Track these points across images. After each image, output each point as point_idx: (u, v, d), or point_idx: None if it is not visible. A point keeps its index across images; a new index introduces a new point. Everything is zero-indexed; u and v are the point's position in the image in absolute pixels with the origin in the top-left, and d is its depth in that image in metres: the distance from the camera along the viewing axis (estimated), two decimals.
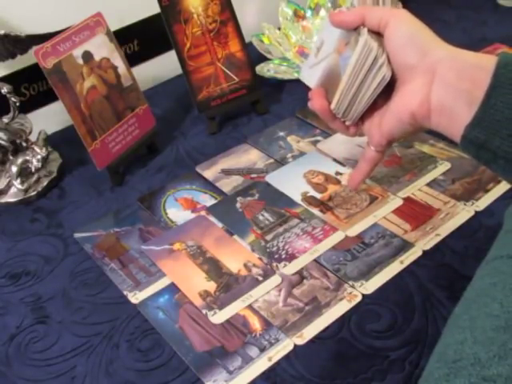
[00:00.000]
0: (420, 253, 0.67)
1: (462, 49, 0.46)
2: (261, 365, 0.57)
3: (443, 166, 0.80)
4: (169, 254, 0.72)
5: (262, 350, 0.59)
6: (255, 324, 0.62)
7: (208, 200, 0.80)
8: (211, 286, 0.66)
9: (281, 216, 0.75)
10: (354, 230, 0.71)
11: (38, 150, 0.87)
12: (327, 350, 0.58)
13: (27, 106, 0.95)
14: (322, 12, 1.08)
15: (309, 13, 1.09)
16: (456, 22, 1.18)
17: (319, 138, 0.90)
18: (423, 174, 0.79)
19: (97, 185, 0.87)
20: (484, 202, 0.73)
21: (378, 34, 0.49)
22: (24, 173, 0.86)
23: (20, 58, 0.86)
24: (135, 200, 0.82)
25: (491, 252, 0.41)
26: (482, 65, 0.43)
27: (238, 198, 0.79)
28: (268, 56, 1.06)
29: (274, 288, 0.65)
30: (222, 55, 0.94)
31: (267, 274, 0.67)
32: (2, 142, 0.84)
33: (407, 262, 0.66)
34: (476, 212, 0.72)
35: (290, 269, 0.67)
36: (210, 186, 0.83)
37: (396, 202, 0.75)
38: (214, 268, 0.69)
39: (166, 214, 0.79)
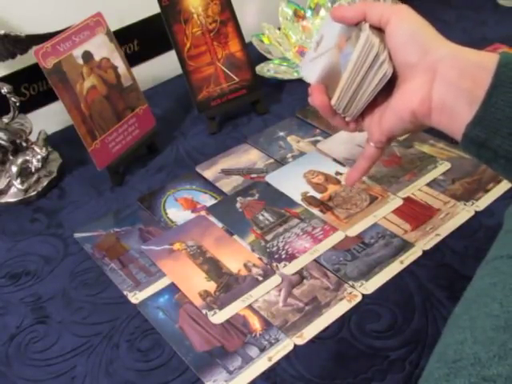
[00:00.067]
0: (420, 253, 0.67)
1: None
2: (261, 365, 0.57)
3: (443, 166, 0.80)
4: (169, 254, 0.72)
5: (262, 350, 0.59)
6: (255, 324, 0.62)
7: (208, 200, 0.80)
8: (211, 286, 0.66)
9: (281, 216, 0.75)
10: (354, 230, 0.71)
11: (38, 150, 0.87)
12: (327, 350, 0.58)
13: (27, 106, 0.95)
14: (322, 12, 1.08)
15: (309, 13, 1.09)
16: (456, 21, 1.18)
17: (319, 137, 0.90)
18: (423, 174, 0.79)
19: (97, 185, 0.87)
20: (484, 201, 0.73)
21: (379, 30, 0.48)
22: (24, 173, 0.86)
23: (20, 57, 0.86)
24: (135, 200, 0.82)
25: (491, 252, 0.41)
26: (483, 64, 0.43)
27: (238, 198, 0.79)
28: (268, 56, 1.06)
29: (274, 288, 0.65)
30: (222, 55, 0.94)
31: (267, 273, 0.67)
32: (2, 142, 0.84)
33: (407, 262, 0.66)
34: (476, 212, 0.72)
35: (290, 269, 0.67)
36: (209, 186, 0.83)
37: (396, 201, 0.75)
38: (213, 268, 0.69)
39: (166, 213, 0.79)
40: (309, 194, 0.78)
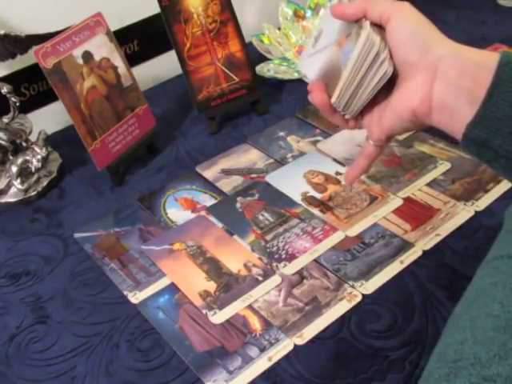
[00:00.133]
0: (420, 253, 0.67)
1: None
2: (261, 365, 0.57)
3: (443, 166, 0.80)
4: (169, 254, 0.72)
5: (262, 350, 0.59)
6: (255, 324, 0.62)
7: (208, 200, 0.80)
8: (211, 286, 0.66)
9: (281, 216, 0.75)
10: (354, 230, 0.71)
11: (38, 150, 0.87)
12: (327, 350, 0.58)
13: (27, 106, 0.95)
14: (322, 12, 1.08)
15: (309, 13, 1.09)
16: (456, 21, 1.18)
17: (319, 138, 0.90)
18: (423, 173, 0.79)
19: (97, 185, 0.87)
20: (484, 201, 0.73)
21: (379, 27, 0.48)
22: (24, 173, 0.86)
23: (20, 57, 0.86)
24: (135, 200, 0.82)
25: (491, 252, 0.41)
26: (483, 63, 0.42)
27: (238, 198, 0.79)
28: (268, 56, 1.06)
29: (274, 288, 0.65)
30: (222, 55, 0.94)
31: (267, 274, 0.67)
32: (2, 142, 0.84)
33: (407, 262, 0.66)
34: (476, 212, 0.72)
35: (290, 269, 0.67)
36: (209, 186, 0.83)
37: (396, 201, 0.75)
38: (214, 268, 0.69)
39: (166, 213, 0.79)
40: (309, 194, 0.78)
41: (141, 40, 1.08)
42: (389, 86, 0.49)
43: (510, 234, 0.41)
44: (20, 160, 0.85)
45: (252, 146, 0.90)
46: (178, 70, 0.93)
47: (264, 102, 0.98)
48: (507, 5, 1.21)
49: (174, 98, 1.05)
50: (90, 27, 0.82)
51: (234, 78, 0.94)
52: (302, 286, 0.65)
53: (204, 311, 0.64)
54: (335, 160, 0.84)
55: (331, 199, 0.77)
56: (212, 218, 0.77)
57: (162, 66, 1.10)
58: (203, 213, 0.78)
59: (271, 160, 0.86)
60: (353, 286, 0.64)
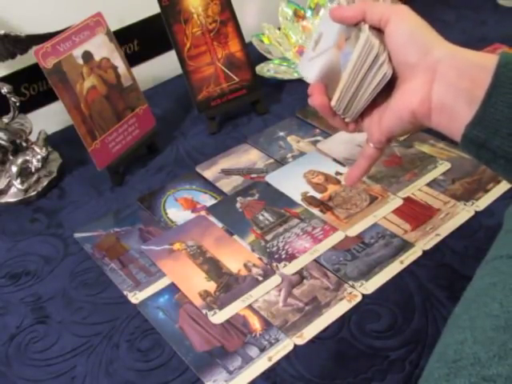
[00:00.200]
0: (420, 253, 0.67)
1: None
2: (261, 365, 0.57)
3: (443, 166, 0.80)
4: (169, 254, 0.72)
5: (262, 350, 0.59)
6: (255, 324, 0.62)
7: (208, 200, 0.80)
8: (211, 286, 0.66)
9: (281, 216, 0.75)
10: (354, 230, 0.71)
11: (38, 150, 0.87)
12: (327, 350, 0.58)
13: (27, 106, 0.95)
14: (322, 12, 1.08)
15: (309, 13, 1.09)
16: (456, 21, 1.18)
17: (319, 137, 0.90)
18: (423, 174, 0.79)
19: (97, 185, 0.87)
20: (484, 201, 0.73)
21: (378, 31, 0.48)
22: (24, 173, 0.86)
23: (20, 57, 0.86)
24: (135, 200, 0.82)
25: (491, 252, 0.41)
26: (482, 64, 0.43)
27: (238, 198, 0.79)
28: (268, 56, 1.06)
29: (274, 288, 0.65)
30: (222, 55, 0.94)
31: (267, 274, 0.67)
32: (2, 142, 0.84)
33: (407, 262, 0.66)
34: (476, 212, 0.72)
35: (290, 269, 0.67)
36: (210, 186, 0.83)
37: (396, 201, 0.75)
38: (214, 268, 0.69)
39: (166, 213, 0.79)
40: (309, 194, 0.78)
41: (141, 40, 1.08)
42: (388, 88, 0.49)
43: (510, 234, 0.41)
44: (20, 160, 0.85)
45: (252, 146, 0.90)
46: (178, 70, 0.93)
47: (264, 102, 0.98)
48: (507, 5, 1.21)
49: (174, 98, 1.05)
50: (90, 27, 0.82)
51: (234, 77, 0.94)
52: (302, 286, 0.65)
53: (204, 311, 0.64)
54: (335, 160, 0.84)
55: (331, 199, 0.77)
56: (212, 218, 0.77)
57: (162, 66, 1.10)
58: (203, 213, 0.78)
59: (271, 160, 0.86)
60: (353, 286, 0.64)
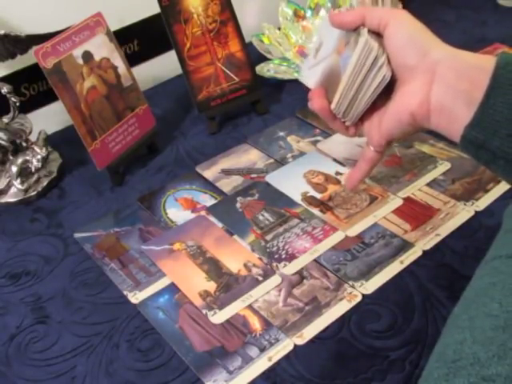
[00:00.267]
0: (420, 253, 0.67)
1: (462, 49, 0.46)
2: (261, 365, 0.57)
3: (443, 166, 0.80)
4: (169, 254, 0.72)
5: (262, 350, 0.59)
6: (255, 324, 0.62)
7: (208, 200, 0.80)
8: (211, 286, 0.66)
9: (281, 216, 0.75)
10: (354, 230, 0.71)
11: (38, 150, 0.87)
12: (327, 350, 0.58)
13: (27, 106, 0.95)
14: (322, 12, 1.08)
15: (309, 13, 1.09)
16: (456, 21, 1.18)
17: (319, 137, 0.90)
18: (423, 173, 0.79)
19: (97, 185, 0.87)
20: (484, 201, 0.73)
21: (377, 35, 0.49)
22: (24, 173, 0.86)
23: (20, 57, 0.86)
24: (135, 200, 0.82)
25: (490, 252, 0.41)
26: (481, 65, 0.43)
27: (238, 198, 0.79)
28: (268, 56, 1.06)
29: (274, 288, 0.65)
30: (222, 55, 0.94)
31: (267, 274, 0.67)
32: (2, 142, 0.84)
33: (407, 262, 0.66)
34: (476, 212, 0.72)
35: (290, 269, 0.67)
36: (209, 186, 0.83)
37: (396, 202, 0.75)
38: (214, 268, 0.69)
39: (166, 213, 0.79)
40: (309, 194, 0.78)
41: (141, 40, 1.08)
42: (387, 91, 0.50)
43: (509, 234, 0.41)
44: (20, 160, 0.85)
45: (252, 146, 0.90)
46: (178, 70, 0.93)
47: (264, 102, 0.98)
48: (507, 5, 1.21)
49: (174, 98, 1.05)
50: (90, 27, 0.82)
51: (234, 77, 0.94)
52: (302, 286, 0.65)
53: (204, 311, 0.64)
54: (335, 160, 0.84)
55: (331, 199, 0.77)
56: (212, 218, 0.77)
57: (162, 66, 1.10)
58: (203, 213, 0.78)
59: (271, 160, 0.86)
60: (353, 286, 0.64)
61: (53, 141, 0.92)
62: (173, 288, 0.67)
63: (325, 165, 0.83)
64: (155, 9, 0.88)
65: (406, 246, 0.68)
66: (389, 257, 0.67)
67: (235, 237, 0.73)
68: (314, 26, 1.07)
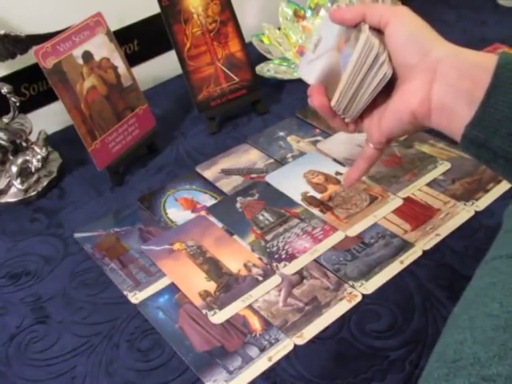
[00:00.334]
0: (420, 253, 0.67)
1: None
2: (261, 365, 0.57)
3: (443, 166, 0.80)
4: (169, 254, 0.72)
5: (262, 350, 0.59)
6: (255, 324, 0.62)
7: (208, 200, 0.80)
8: (211, 286, 0.66)
9: (281, 216, 0.75)
10: (354, 230, 0.71)
11: (38, 150, 0.87)
12: (327, 350, 0.58)
13: (27, 106, 0.95)
14: (322, 12, 1.08)
15: (309, 13, 1.09)
16: (456, 21, 1.18)
17: (319, 137, 0.90)
18: (423, 173, 0.79)
19: (97, 185, 0.87)
20: (484, 201, 0.73)
21: (378, 31, 0.49)
22: (24, 173, 0.86)
23: (20, 57, 0.86)
24: (135, 200, 0.82)
25: (490, 252, 0.41)
26: (482, 64, 0.43)
27: (238, 198, 0.79)
28: (268, 56, 1.06)
29: (274, 288, 0.65)
30: (222, 55, 0.94)
31: (267, 274, 0.67)
32: (2, 142, 0.84)
33: (407, 262, 0.66)
34: (476, 212, 0.72)
35: (290, 269, 0.67)
36: (210, 186, 0.83)
37: (396, 201, 0.75)
38: (214, 268, 0.69)
39: (166, 213, 0.79)
40: (309, 194, 0.78)
41: (141, 40, 1.08)
42: (388, 89, 0.49)
43: (509, 234, 0.41)
44: (20, 160, 0.85)
45: (252, 146, 0.90)
46: (178, 70, 0.93)
47: (264, 102, 0.98)
48: (507, 5, 1.21)
49: (174, 98, 1.05)
50: (90, 27, 0.82)
51: (234, 77, 0.94)
52: (302, 286, 0.65)
53: (204, 311, 0.64)
54: (335, 160, 0.84)
55: (331, 199, 0.77)
56: (212, 218, 0.77)
57: (162, 66, 1.10)
58: (203, 213, 0.78)
59: (271, 160, 0.86)
60: (353, 286, 0.64)
61: (53, 141, 0.92)
62: (173, 288, 0.67)
63: (325, 165, 0.83)
64: (155, 9, 0.88)
65: (406, 246, 0.68)
66: (389, 257, 0.67)
67: (235, 237, 0.73)
68: (314, 26, 1.08)
